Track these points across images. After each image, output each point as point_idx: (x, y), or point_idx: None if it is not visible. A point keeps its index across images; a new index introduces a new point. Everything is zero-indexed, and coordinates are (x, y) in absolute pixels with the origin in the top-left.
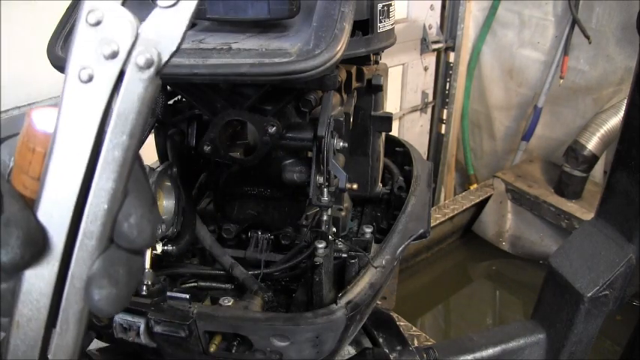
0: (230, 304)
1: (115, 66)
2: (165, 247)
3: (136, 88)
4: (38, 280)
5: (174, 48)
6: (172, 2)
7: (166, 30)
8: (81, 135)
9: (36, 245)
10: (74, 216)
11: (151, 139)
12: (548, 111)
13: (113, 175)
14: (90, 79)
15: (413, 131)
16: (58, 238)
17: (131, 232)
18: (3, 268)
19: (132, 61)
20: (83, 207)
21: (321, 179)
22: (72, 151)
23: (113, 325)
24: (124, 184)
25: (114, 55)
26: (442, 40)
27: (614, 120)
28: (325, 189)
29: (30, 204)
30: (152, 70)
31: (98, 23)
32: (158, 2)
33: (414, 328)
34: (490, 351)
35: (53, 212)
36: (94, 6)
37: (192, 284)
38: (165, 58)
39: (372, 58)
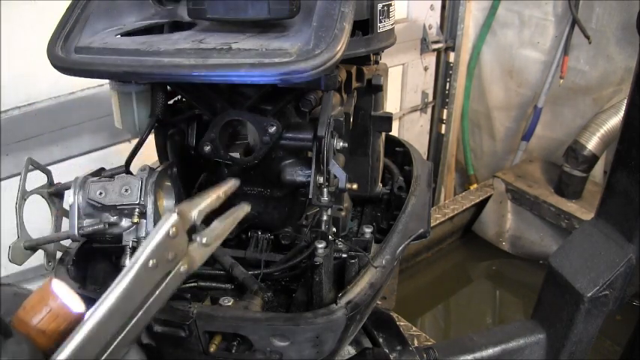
0: (230, 304)
1: (169, 266)
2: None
3: (173, 282)
4: None
5: (200, 264)
6: (209, 242)
7: (201, 255)
8: (121, 312)
9: None
10: None
11: (150, 139)
12: (548, 111)
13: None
14: (155, 266)
15: (413, 131)
16: None
17: None
18: None
19: (177, 267)
20: None
21: (321, 179)
22: (103, 326)
23: None
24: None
25: (172, 260)
26: (442, 40)
27: (614, 120)
28: (325, 189)
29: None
30: (184, 275)
31: (174, 237)
32: (198, 239)
33: (414, 328)
34: (490, 351)
35: None
36: (176, 223)
37: (192, 284)
38: (193, 270)
39: (372, 58)
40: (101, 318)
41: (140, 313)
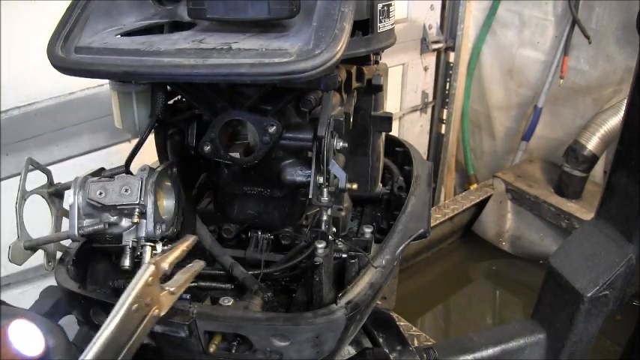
0: (230, 304)
1: (146, 310)
2: (166, 247)
3: (148, 324)
4: None
5: (168, 309)
6: (175, 291)
7: (169, 301)
8: (110, 351)
9: None
10: None
11: (151, 139)
12: (548, 111)
13: None
14: (136, 310)
15: (413, 131)
16: None
17: None
18: None
19: (151, 311)
20: None
21: (321, 179)
22: None
23: None
24: None
25: (148, 304)
26: (442, 40)
27: (614, 120)
28: (325, 189)
29: None
30: (157, 318)
31: (151, 284)
32: (167, 288)
33: (414, 328)
34: (490, 351)
35: None
36: (153, 273)
37: (193, 284)
38: (163, 314)
39: (372, 58)
40: (95, 355)
41: (124, 352)
